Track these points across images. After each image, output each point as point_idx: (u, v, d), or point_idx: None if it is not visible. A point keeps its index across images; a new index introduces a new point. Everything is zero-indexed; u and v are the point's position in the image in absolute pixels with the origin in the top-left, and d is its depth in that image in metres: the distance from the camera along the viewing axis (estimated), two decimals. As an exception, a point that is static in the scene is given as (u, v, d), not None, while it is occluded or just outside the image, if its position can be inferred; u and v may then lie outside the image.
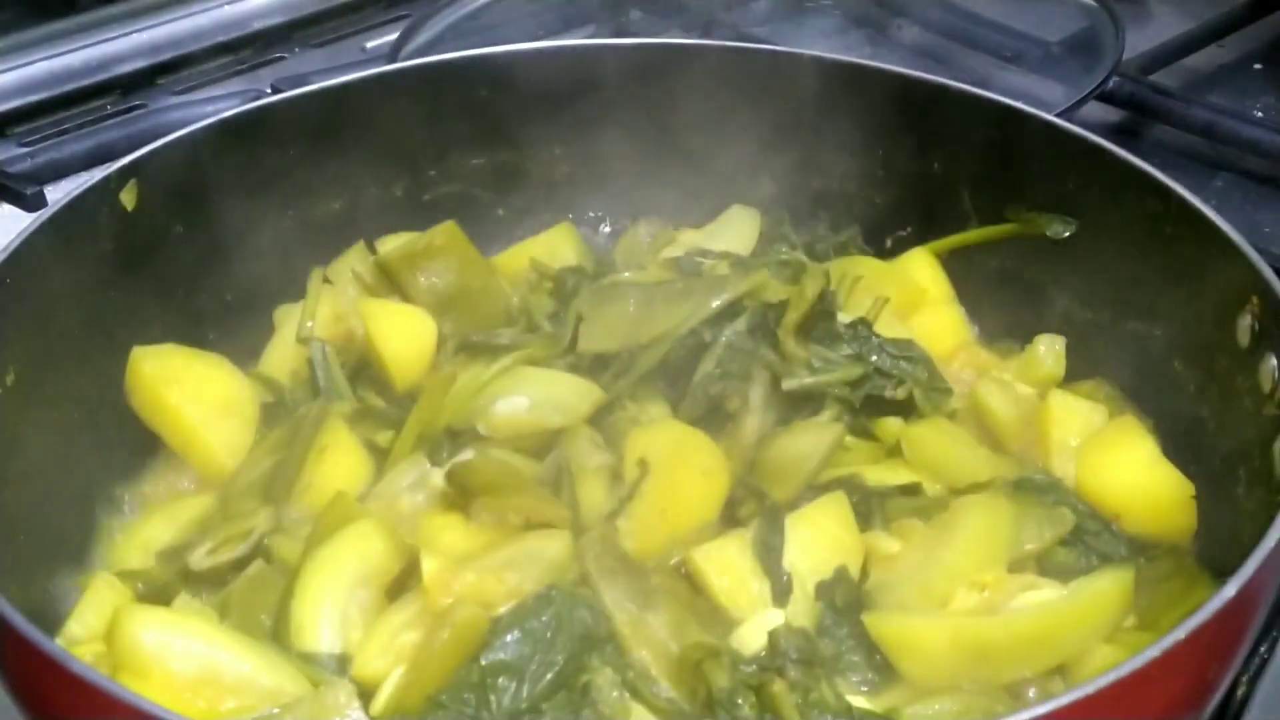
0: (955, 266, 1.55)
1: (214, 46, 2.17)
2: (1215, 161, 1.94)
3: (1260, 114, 2.06)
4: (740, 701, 1.06)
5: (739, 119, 1.58)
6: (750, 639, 1.14)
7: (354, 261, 1.54)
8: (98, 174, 1.35)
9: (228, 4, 2.22)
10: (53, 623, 1.17)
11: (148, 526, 1.31)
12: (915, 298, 1.51)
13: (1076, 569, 1.22)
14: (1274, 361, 1.18)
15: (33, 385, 1.24)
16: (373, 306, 1.47)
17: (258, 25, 2.22)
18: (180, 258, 1.44)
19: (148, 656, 1.07)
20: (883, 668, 1.15)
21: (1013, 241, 1.50)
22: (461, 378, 1.38)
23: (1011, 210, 1.50)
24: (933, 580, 1.18)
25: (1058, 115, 1.47)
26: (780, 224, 1.62)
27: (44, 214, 1.28)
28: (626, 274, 1.52)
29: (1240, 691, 1.19)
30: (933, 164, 1.54)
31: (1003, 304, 1.53)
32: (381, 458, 1.35)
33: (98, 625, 1.14)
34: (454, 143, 1.62)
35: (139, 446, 1.39)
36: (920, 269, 1.54)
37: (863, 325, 1.40)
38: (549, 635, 1.09)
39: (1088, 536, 1.24)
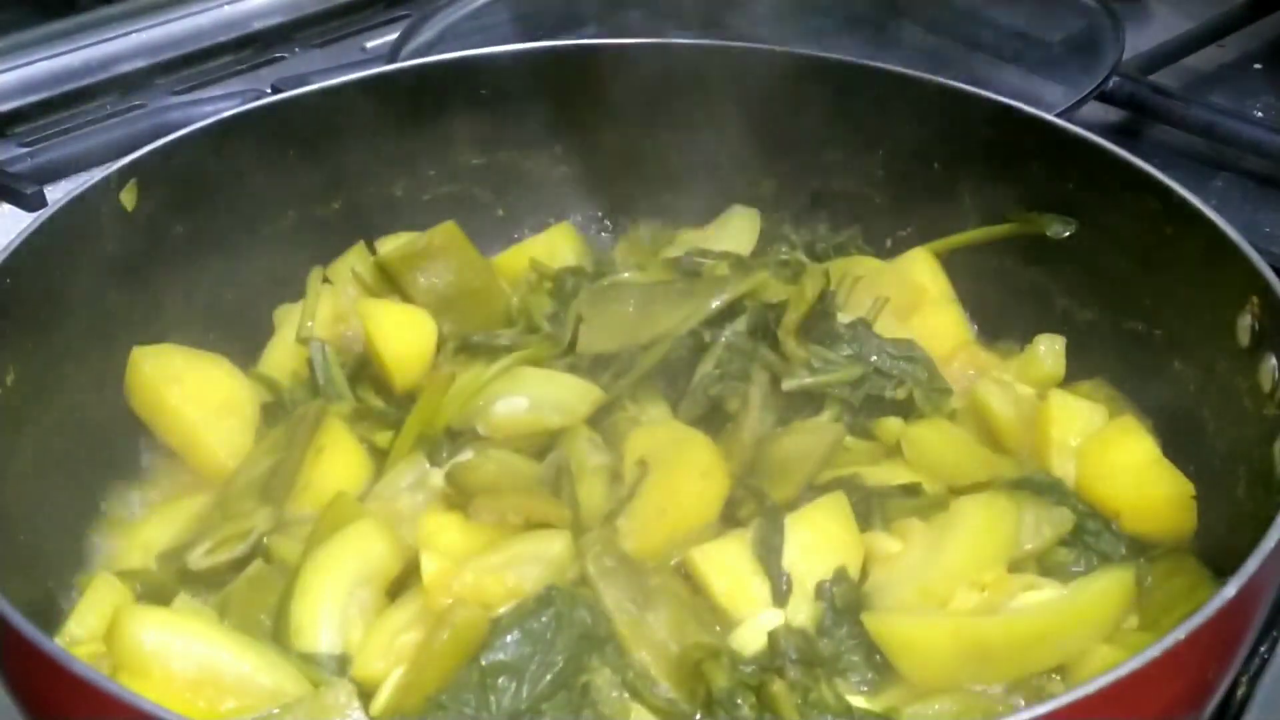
0: (955, 266, 1.55)
1: (214, 46, 2.17)
2: (1215, 161, 1.94)
3: (1260, 114, 2.06)
4: (740, 702, 1.06)
5: (739, 119, 1.58)
6: (750, 639, 1.14)
7: (354, 261, 1.54)
8: (98, 174, 1.35)
9: (228, 4, 2.22)
10: (53, 623, 1.17)
11: (148, 526, 1.31)
12: (915, 298, 1.51)
13: (1076, 569, 1.23)
14: (1274, 361, 1.18)
15: (33, 385, 1.24)
16: (373, 306, 1.47)
17: (258, 25, 2.22)
18: (180, 258, 1.44)
19: (147, 656, 1.07)
20: (882, 668, 1.15)
21: (1013, 241, 1.50)
22: (461, 378, 1.38)
23: (1011, 210, 1.50)
24: (933, 580, 1.18)
25: (1058, 115, 1.47)
26: (780, 224, 1.62)
27: (44, 214, 1.28)
28: (626, 274, 1.52)
29: (1240, 691, 1.19)
30: (933, 164, 1.54)
31: (1003, 304, 1.53)
32: (381, 458, 1.35)
33: (98, 625, 1.14)
34: (454, 143, 1.62)
35: (139, 446, 1.39)
36: (920, 269, 1.54)
37: (863, 325, 1.40)
38: (549, 635, 1.09)
39: (1088, 536, 1.24)
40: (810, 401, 1.35)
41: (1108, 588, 1.16)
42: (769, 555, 1.19)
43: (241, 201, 1.48)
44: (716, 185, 1.65)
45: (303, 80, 1.79)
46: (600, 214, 1.72)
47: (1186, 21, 2.22)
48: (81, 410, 1.31)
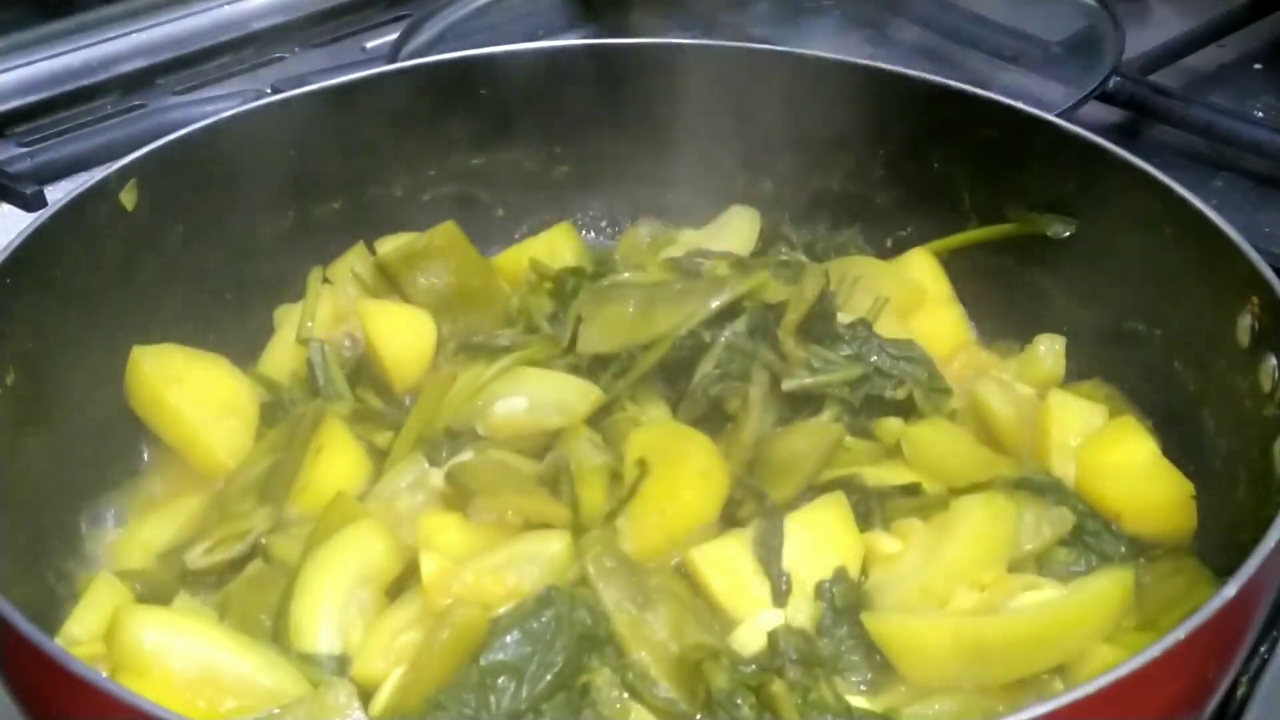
0: (955, 266, 1.55)
1: (214, 46, 2.17)
2: (1215, 161, 1.94)
3: (1260, 114, 2.06)
4: (740, 702, 1.06)
5: (739, 119, 1.58)
6: (750, 639, 1.14)
7: (354, 261, 1.54)
8: (98, 174, 1.35)
9: (228, 4, 2.22)
10: (53, 623, 1.17)
11: (148, 526, 1.31)
12: (915, 298, 1.51)
13: (1076, 569, 1.23)
14: (1274, 361, 1.18)
15: (33, 385, 1.25)
16: (372, 307, 1.47)
17: (258, 25, 2.22)
18: (180, 258, 1.44)
19: (147, 656, 1.07)
20: (882, 668, 1.15)
21: (1013, 241, 1.50)
22: (461, 378, 1.38)
23: (1011, 210, 1.50)
24: (933, 580, 1.18)
25: (1058, 115, 1.47)
26: (780, 224, 1.62)
27: (44, 214, 1.28)
28: (626, 274, 1.51)
29: (1240, 691, 1.19)
30: (933, 164, 1.54)
31: (1003, 304, 1.53)
32: (380, 458, 1.35)
33: (98, 625, 1.15)
34: (454, 143, 1.62)
35: (139, 446, 1.39)
36: (920, 269, 1.54)
37: (863, 325, 1.40)
38: (548, 636, 1.09)
39: (1088, 536, 1.24)
40: (810, 401, 1.35)
41: (1107, 588, 1.16)
42: (769, 555, 1.19)
43: (241, 201, 1.48)
44: (716, 185, 1.65)
45: (303, 80, 1.79)
46: (600, 214, 1.72)
47: (1186, 21, 2.21)
48: (81, 410, 1.31)
